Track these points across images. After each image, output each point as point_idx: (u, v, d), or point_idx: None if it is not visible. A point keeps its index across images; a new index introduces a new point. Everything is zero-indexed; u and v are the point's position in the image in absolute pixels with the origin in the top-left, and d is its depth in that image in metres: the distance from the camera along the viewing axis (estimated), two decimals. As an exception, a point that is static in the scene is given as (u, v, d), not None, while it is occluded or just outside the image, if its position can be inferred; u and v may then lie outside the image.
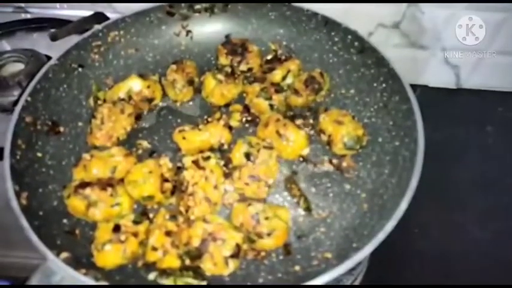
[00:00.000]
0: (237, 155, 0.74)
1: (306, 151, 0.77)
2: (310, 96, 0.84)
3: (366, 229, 0.64)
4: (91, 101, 0.85)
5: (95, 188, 0.68)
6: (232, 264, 0.63)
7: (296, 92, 0.85)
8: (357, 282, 0.75)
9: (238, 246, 0.63)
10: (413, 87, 0.75)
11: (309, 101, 0.85)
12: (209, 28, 0.96)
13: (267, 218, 0.66)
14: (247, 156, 0.73)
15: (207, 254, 0.63)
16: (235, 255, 0.63)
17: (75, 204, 0.68)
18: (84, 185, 0.69)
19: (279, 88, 0.85)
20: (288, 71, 0.87)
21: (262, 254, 0.66)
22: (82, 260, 0.62)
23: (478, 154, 1.00)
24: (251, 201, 0.69)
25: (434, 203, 0.87)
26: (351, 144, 0.76)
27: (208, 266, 0.63)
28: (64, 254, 0.59)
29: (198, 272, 0.63)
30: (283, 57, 0.90)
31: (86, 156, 0.74)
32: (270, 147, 0.74)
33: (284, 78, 0.87)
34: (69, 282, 0.56)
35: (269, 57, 0.92)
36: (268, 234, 0.65)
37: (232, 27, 0.95)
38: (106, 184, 0.70)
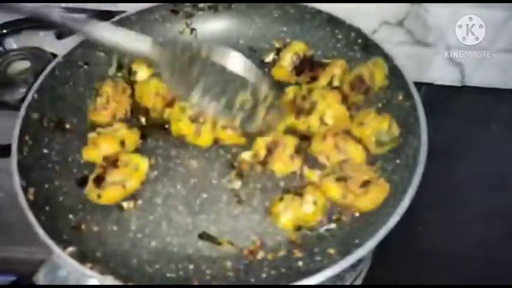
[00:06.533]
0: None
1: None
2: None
3: (369, 225, 0.64)
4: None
5: (109, 172, 0.70)
6: (298, 160, 0.72)
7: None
8: (359, 280, 0.75)
9: (296, 146, 0.73)
10: (419, 85, 0.75)
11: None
12: (213, 26, 0.96)
13: None
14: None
15: (276, 157, 0.72)
16: (297, 152, 0.73)
17: (111, 197, 0.70)
18: (99, 179, 0.70)
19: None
20: (333, 76, 0.81)
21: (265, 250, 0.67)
22: (88, 255, 0.62)
23: (483, 152, 0.99)
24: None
25: (438, 202, 0.86)
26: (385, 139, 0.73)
27: (278, 167, 0.72)
28: (70, 249, 0.60)
29: None
30: (322, 61, 0.84)
31: (93, 134, 0.75)
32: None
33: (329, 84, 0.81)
34: (75, 276, 0.57)
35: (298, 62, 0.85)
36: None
37: (235, 25, 0.96)
38: (113, 161, 0.71)
